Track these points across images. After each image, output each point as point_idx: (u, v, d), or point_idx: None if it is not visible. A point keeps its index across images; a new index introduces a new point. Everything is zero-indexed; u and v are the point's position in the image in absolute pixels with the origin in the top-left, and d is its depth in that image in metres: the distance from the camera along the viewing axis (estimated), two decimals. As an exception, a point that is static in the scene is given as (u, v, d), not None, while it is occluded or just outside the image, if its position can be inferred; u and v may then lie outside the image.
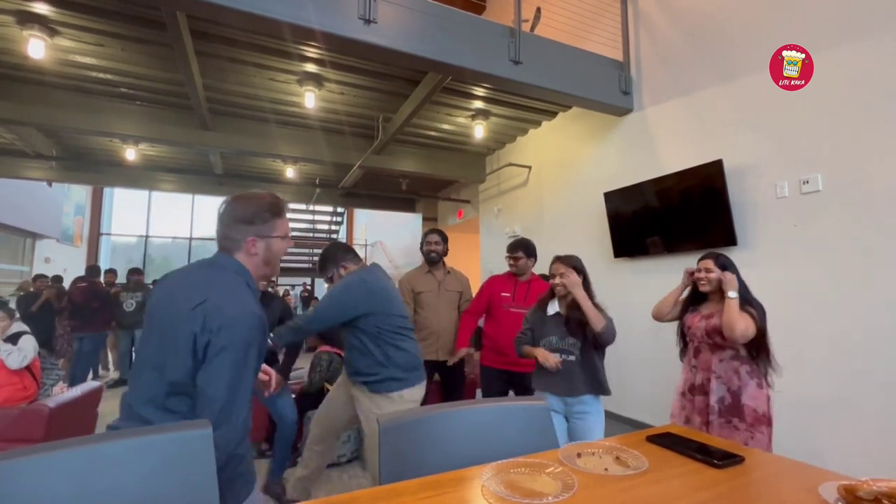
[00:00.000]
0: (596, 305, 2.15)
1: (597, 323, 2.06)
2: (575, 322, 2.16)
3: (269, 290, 2.94)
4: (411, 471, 1.04)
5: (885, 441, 2.49)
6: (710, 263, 2.18)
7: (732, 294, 2.01)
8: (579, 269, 2.21)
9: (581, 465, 1.05)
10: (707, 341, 2.13)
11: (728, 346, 2.06)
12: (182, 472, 0.93)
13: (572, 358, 2.17)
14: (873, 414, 2.53)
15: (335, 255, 2.23)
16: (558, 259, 2.25)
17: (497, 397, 2.11)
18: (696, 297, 2.28)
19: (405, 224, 10.22)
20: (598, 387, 2.17)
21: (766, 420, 1.99)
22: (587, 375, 2.16)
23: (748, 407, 1.99)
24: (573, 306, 2.17)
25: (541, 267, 3.04)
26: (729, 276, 2.07)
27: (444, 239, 3.14)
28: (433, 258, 3.07)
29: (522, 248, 2.93)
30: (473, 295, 3.20)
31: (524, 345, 2.30)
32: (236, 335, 1.10)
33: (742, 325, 1.95)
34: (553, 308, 2.25)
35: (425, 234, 3.15)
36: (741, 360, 2.04)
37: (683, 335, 2.30)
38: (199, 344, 1.08)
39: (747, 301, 2.06)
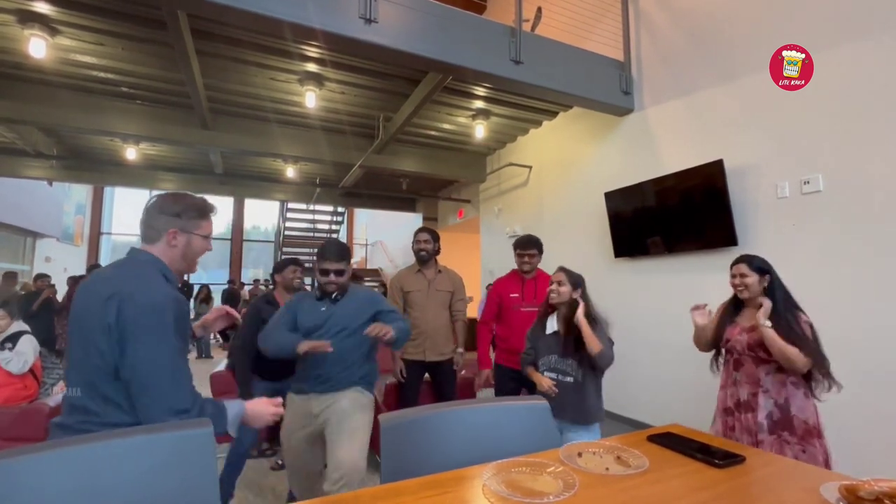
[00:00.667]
0: (594, 320, 2.08)
1: (594, 346, 1.99)
2: (573, 341, 2.09)
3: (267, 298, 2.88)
4: (412, 470, 1.04)
5: (886, 441, 2.49)
6: (744, 268, 1.99)
7: (765, 322, 1.83)
8: (577, 283, 2.16)
9: (582, 465, 1.05)
10: (749, 354, 1.96)
11: (773, 359, 1.88)
12: (182, 472, 0.93)
13: (569, 380, 2.09)
14: (874, 414, 2.53)
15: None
16: (562, 269, 2.22)
17: (500, 397, 2.09)
18: (736, 305, 2.09)
19: (406, 224, 10.21)
20: (583, 416, 2.07)
21: (817, 433, 1.85)
22: (577, 401, 2.07)
23: (798, 419, 1.85)
24: (570, 323, 2.09)
25: (542, 266, 3.04)
26: (766, 304, 1.86)
27: (435, 238, 3.07)
28: (423, 257, 3.02)
29: (537, 246, 2.90)
30: (468, 295, 3.17)
31: (527, 365, 2.26)
32: (152, 319, 1.15)
33: (801, 362, 1.80)
34: (552, 325, 2.20)
35: (415, 233, 3.09)
36: (787, 371, 1.88)
37: (719, 347, 2.11)
38: (114, 334, 1.12)
39: (793, 313, 1.89)
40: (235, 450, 2.55)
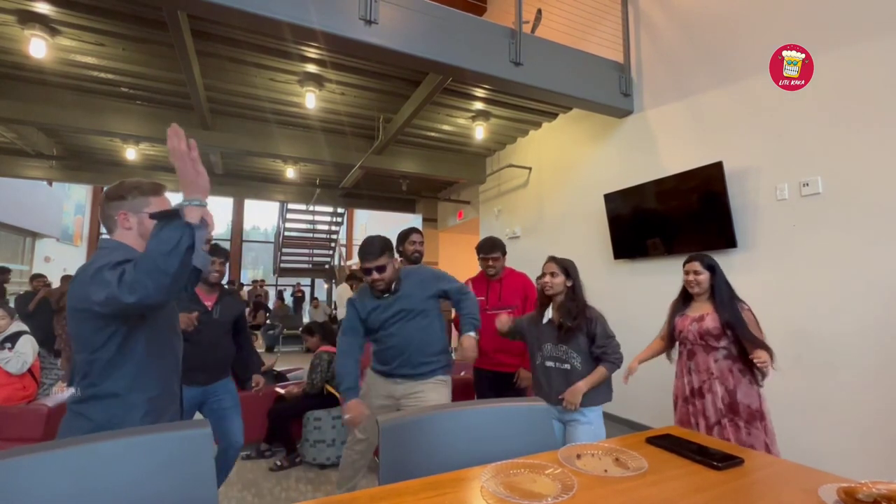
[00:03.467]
0: (584, 307, 2.12)
1: (602, 379, 2.05)
2: (567, 329, 2.09)
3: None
4: (411, 471, 1.04)
5: (886, 443, 2.49)
6: (697, 266, 2.22)
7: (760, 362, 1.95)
8: (570, 273, 2.14)
9: (580, 467, 1.05)
10: (700, 343, 2.16)
11: (721, 346, 2.11)
12: (181, 472, 0.93)
13: (567, 367, 2.08)
14: (873, 416, 2.53)
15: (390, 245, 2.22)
16: (552, 259, 2.19)
17: (492, 398, 2.09)
18: (685, 299, 2.32)
19: (405, 225, 10.18)
20: (585, 397, 2.03)
21: (760, 415, 2.04)
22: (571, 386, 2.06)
23: (742, 404, 2.05)
24: (564, 311, 2.11)
25: (536, 268, 3.03)
26: (761, 356, 1.94)
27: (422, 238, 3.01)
28: (416, 259, 2.87)
29: (500, 249, 2.83)
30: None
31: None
32: (76, 291, 1.19)
33: (765, 350, 1.97)
34: (548, 315, 2.19)
35: (408, 233, 2.87)
36: (733, 358, 2.10)
37: (673, 338, 2.32)
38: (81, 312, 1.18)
39: (738, 301, 2.15)
40: (225, 450, 2.39)
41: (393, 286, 2.14)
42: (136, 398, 1.25)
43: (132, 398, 1.24)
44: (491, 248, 2.83)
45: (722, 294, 2.16)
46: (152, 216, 1.15)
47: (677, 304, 2.36)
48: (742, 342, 2.07)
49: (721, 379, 2.10)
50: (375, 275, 2.07)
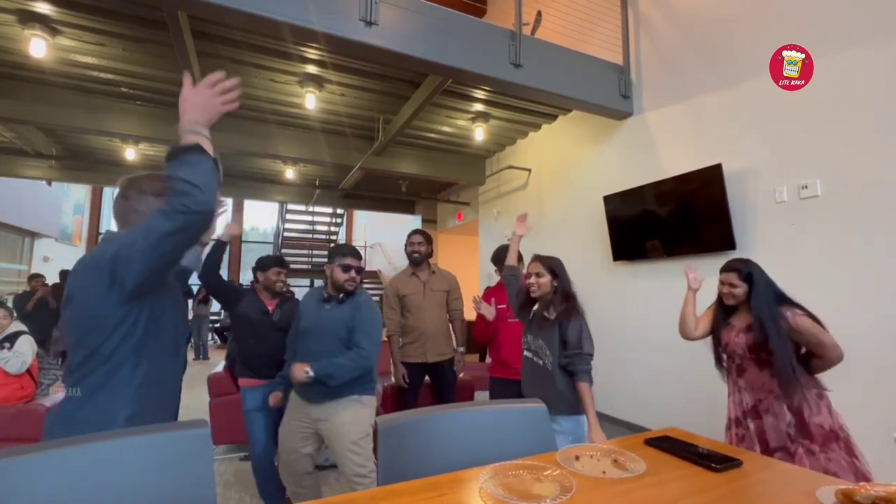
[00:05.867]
0: (573, 301, 2.02)
1: (590, 399, 1.88)
2: (543, 320, 2.04)
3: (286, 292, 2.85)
4: (409, 472, 1.04)
5: (885, 445, 2.49)
6: (733, 277, 1.93)
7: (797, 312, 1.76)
8: (556, 272, 2.06)
9: (579, 468, 1.05)
10: (750, 357, 1.87)
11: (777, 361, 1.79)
12: (180, 472, 0.93)
13: (540, 362, 2.02)
14: (871, 418, 2.53)
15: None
16: (537, 258, 2.10)
17: (498, 400, 2.08)
18: (725, 308, 2.02)
19: (405, 226, 10.22)
20: (549, 403, 1.88)
21: (835, 435, 1.71)
22: (544, 387, 1.96)
23: (814, 424, 1.73)
24: (544, 308, 2.06)
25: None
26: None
27: (428, 240, 3.09)
28: (416, 259, 3.03)
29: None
30: (462, 294, 3.18)
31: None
32: (75, 282, 1.15)
33: (835, 351, 1.74)
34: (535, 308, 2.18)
35: (409, 235, 3.10)
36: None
37: (719, 353, 2.02)
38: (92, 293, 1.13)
39: (788, 304, 1.85)
40: (253, 451, 2.57)
41: (356, 292, 2.18)
42: (119, 406, 1.14)
43: (115, 405, 1.14)
44: (497, 260, 2.91)
45: (760, 310, 1.83)
46: (171, 151, 1.06)
47: (718, 313, 2.04)
48: (802, 348, 1.79)
49: (783, 396, 1.77)
50: (354, 274, 2.14)
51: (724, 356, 2.01)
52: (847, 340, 2.64)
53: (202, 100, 1.11)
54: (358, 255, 2.20)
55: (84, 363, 1.14)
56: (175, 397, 1.38)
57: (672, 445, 1.19)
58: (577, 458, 1.11)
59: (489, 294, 2.99)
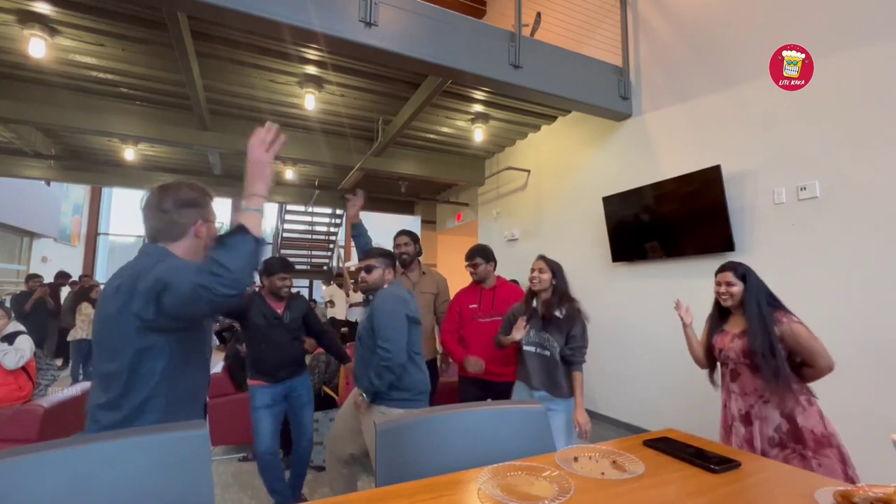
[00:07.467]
0: (573, 305, 2.28)
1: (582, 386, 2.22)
2: (549, 320, 2.27)
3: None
4: (408, 473, 1.04)
5: (883, 447, 2.49)
6: (729, 276, 1.95)
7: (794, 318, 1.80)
8: (556, 273, 2.31)
9: (577, 469, 1.05)
10: (744, 362, 1.88)
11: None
12: (178, 472, 0.93)
13: (547, 353, 2.25)
14: (870, 420, 2.53)
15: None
16: (542, 257, 2.37)
17: (497, 401, 2.09)
18: (720, 312, 2.04)
19: (404, 227, 10.19)
20: (554, 388, 2.22)
21: (827, 442, 1.73)
22: (548, 374, 2.24)
23: (806, 429, 1.75)
24: (548, 304, 2.28)
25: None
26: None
27: (415, 239, 3.04)
28: (404, 260, 2.97)
29: (480, 255, 2.85)
30: (451, 296, 3.15)
31: (501, 340, 2.42)
32: (135, 284, 1.11)
33: (826, 359, 1.75)
34: (534, 304, 2.37)
35: (394, 237, 3.03)
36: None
37: (712, 358, 2.05)
38: (131, 314, 1.10)
39: (783, 310, 1.86)
40: (299, 443, 2.68)
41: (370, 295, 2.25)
42: (147, 420, 1.15)
43: (143, 420, 1.14)
44: (470, 255, 2.91)
45: (752, 312, 1.85)
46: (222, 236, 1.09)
47: (713, 320, 2.07)
48: (796, 355, 1.81)
49: (774, 402, 1.79)
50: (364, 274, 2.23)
51: (719, 362, 2.03)
52: (846, 340, 2.66)
53: (266, 163, 1.16)
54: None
55: (116, 378, 1.12)
56: (201, 408, 1.35)
57: (670, 447, 1.19)
58: (575, 459, 1.10)
59: (460, 297, 2.94)
